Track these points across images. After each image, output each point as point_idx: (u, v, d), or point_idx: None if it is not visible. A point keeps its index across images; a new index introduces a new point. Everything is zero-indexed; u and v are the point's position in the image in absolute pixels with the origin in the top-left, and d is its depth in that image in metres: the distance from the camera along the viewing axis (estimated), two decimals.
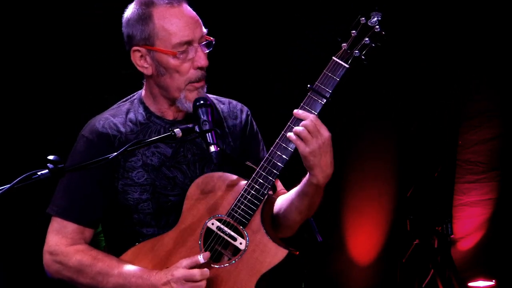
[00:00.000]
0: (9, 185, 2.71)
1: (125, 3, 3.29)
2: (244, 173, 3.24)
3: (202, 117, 3.13)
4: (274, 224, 3.28)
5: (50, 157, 2.77)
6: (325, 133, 3.06)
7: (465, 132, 6.25)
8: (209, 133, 3.10)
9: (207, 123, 3.11)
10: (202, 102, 3.17)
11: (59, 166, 2.76)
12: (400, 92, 6.24)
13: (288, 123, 3.10)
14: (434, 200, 6.25)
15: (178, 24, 3.18)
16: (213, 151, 3.08)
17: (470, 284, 6.19)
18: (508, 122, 6.18)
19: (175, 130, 3.04)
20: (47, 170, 2.75)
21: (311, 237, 3.49)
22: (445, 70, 6.21)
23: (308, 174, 3.13)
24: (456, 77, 6.21)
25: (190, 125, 3.11)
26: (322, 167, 3.08)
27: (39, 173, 2.74)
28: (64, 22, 5.50)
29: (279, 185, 3.39)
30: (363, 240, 6.32)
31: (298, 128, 3.06)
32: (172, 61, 3.19)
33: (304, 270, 5.86)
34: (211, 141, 3.09)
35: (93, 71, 5.56)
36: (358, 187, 6.30)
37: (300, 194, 3.20)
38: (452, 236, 6.17)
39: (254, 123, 3.44)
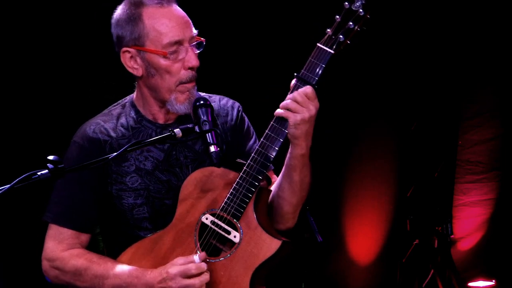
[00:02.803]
0: (9, 185, 2.71)
1: None
2: (235, 170, 3.23)
3: (202, 117, 3.13)
4: (272, 216, 3.28)
5: (50, 157, 2.77)
6: (317, 103, 3.08)
7: (465, 132, 6.25)
8: (209, 133, 3.10)
9: (207, 123, 3.11)
10: (202, 102, 3.17)
11: (59, 166, 2.76)
12: (400, 92, 6.24)
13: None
14: (434, 200, 6.24)
15: (168, 24, 3.17)
16: (213, 151, 3.08)
17: (470, 284, 6.18)
18: (508, 122, 6.17)
19: (175, 130, 3.04)
20: (47, 170, 2.75)
21: (311, 237, 3.49)
22: (445, 70, 6.20)
23: (291, 148, 3.14)
24: (456, 77, 6.20)
25: (190, 125, 3.11)
26: (308, 136, 3.11)
27: (39, 173, 2.75)
28: (65, 22, 5.50)
29: (274, 177, 3.39)
30: (363, 240, 6.31)
31: (285, 102, 3.08)
32: (163, 62, 3.18)
33: (304, 270, 5.85)
34: (211, 141, 3.09)
35: (94, 71, 5.56)
36: (358, 187, 6.30)
37: (289, 172, 3.19)
38: (452, 236, 6.17)
39: (245, 118, 3.44)
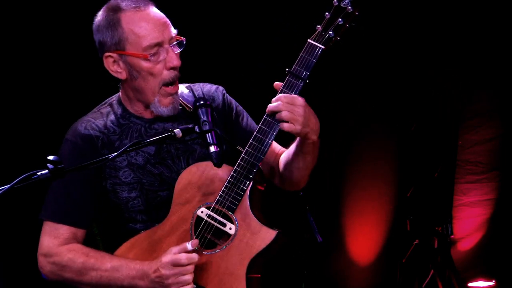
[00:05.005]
0: (9, 185, 2.71)
1: None
2: (233, 156, 3.27)
3: (202, 117, 3.16)
4: (284, 181, 3.36)
5: (50, 157, 2.77)
6: (298, 100, 3.11)
7: (465, 132, 6.25)
8: (209, 134, 3.12)
9: (207, 123, 3.14)
10: (202, 102, 3.21)
11: (59, 166, 2.76)
12: (400, 93, 6.24)
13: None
14: (434, 200, 6.24)
15: (146, 27, 3.22)
16: (213, 151, 3.10)
17: (470, 284, 6.18)
18: (508, 122, 6.17)
19: (175, 130, 3.07)
20: (47, 170, 2.76)
21: (311, 237, 3.50)
22: (445, 70, 6.20)
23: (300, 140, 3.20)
24: (456, 77, 6.21)
25: (190, 125, 3.13)
26: (312, 128, 3.15)
27: (39, 173, 2.75)
28: (65, 22, 5.50)
29: (277, 146, 3.44)
30: (363, 240, 6.32)
31: (274, 99, 3.12)
32: (144, 64, 3.23)
33: (304, 270, 5.85)
34: (211, 142, 3.12)
35: (94, 71, 5.55)
36: (358, 187, 6.30)
37: (300, 154, 3.26)
38: (452, 236, 6.17)
39: (231, 99, 3.49)
